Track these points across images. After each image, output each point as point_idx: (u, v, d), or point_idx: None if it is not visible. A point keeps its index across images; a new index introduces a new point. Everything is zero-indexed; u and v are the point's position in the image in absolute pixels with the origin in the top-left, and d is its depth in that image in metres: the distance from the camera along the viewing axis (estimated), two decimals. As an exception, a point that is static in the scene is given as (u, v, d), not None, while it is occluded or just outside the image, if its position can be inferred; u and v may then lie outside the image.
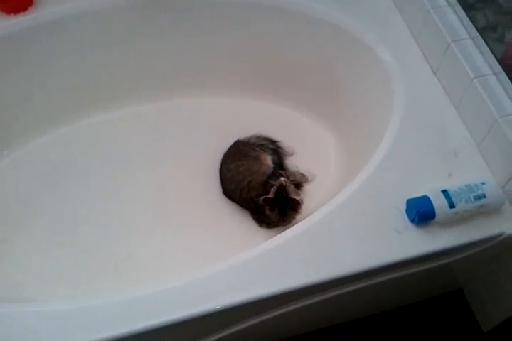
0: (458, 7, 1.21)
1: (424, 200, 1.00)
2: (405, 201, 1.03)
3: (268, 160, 1.42)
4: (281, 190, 1.27)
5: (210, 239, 1.37)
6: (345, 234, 1.02)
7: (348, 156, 1.45)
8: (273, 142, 1.50)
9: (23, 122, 1.53)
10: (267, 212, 1.29)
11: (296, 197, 1.26)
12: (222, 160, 1.47)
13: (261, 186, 1.34)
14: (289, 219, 1.32)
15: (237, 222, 1.41)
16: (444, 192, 1.00)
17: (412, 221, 1.02)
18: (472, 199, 0.99)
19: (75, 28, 1.40)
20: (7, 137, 1.52)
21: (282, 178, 1.28)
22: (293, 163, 1.48)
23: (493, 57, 1.12)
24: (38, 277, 1.33)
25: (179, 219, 1.42)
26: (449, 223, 1.01)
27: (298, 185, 1.36)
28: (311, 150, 1.52)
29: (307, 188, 1.32)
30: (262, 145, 1.48)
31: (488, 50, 1.13)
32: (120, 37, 1.47)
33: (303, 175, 1.41)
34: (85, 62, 1.48)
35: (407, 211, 1.03)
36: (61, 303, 1.00)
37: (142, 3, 1.39)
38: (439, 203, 0.99)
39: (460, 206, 0.99)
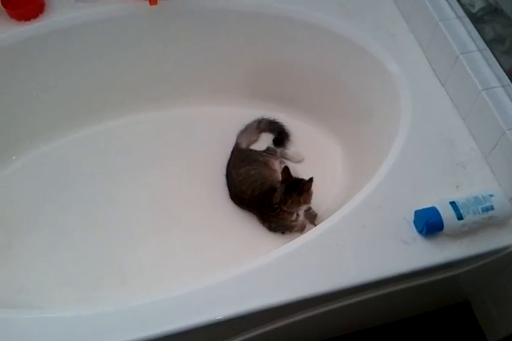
0: (466, 20, 1.21)
1: (433, 212, 1.00)
2: (413, 212, 1.03)
3: (276, 165, 1.44)
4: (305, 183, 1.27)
5: (215, 246, 1.37)
6: (352, 244, 1.02)
7: (355, 166, 1.46)
8: (273, 123, 1.53)
9: (31, 128, 1.54)
10: (279, 193, 1.29)
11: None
12: (229, 165, 1.48)
13: (273, 188, 1.34)
14: (296, 207, 1.30)
15: (242, 229, 1.41)
16: (452, 203, 1.00)
17: (420, 232, 1.01)
18: (480, 211, 0.99)
19: (84, 35, 1.41)
20: (15, 143, 1.53)
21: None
22: (300, 172, 1.48)
23: (501, 69, 1.13)
24: (42, 283, 1.33)
25: (184, 226, 1.42)
26: (457, 235, 1.01)
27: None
28: (317, 159, 1.52)
29: (314, 197, 1.32)
30: (267, 148, 1.50)
31: (497, 62, 1.14)
32: (127, 45, 1.48)
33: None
34: (92, 70, 1.50)
35: (415, 222, 1.02)
36: (64, 310, 1.01)
37: (151, 12, 1.40)
38: (447, 215, 0.99)
39: (468, 218, 0.99)
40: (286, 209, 1.30)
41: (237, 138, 1.54)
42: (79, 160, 1.55)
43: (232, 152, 1.51)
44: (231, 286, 0.98)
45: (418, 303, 1.32)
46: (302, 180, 1.30)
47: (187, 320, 0.93)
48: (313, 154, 1.52)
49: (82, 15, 1.38)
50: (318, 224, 1.31)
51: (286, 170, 1.31)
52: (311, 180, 1.27)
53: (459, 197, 1.02)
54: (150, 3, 1.37)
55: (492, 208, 0.99)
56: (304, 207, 1.32)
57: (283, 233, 1.38)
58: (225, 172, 1.48)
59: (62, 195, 1.48)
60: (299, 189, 1.28)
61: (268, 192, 1.34)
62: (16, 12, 1.35)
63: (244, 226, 1.41)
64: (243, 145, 1.53)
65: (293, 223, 1.34)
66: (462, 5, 1.23)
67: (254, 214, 1.42)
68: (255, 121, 1.56)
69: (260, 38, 1.49)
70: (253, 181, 1.39)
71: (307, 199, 1.30)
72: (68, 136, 1.58)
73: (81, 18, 1.38)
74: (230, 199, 1.46)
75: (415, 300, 1.26)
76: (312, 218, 1.38)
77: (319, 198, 1.41)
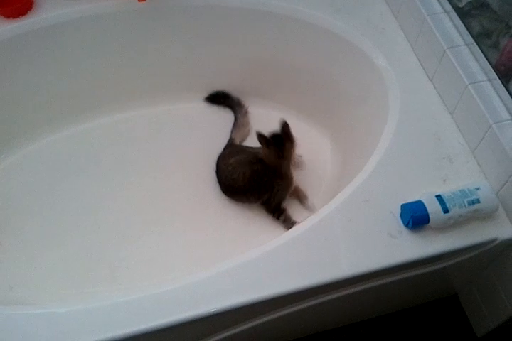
0: (453, 14, 1.22)
1: (419, 205, 1.00)
2: (400, 206, 1.03)
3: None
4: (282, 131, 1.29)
5: (207, 241, 1.38)
6: (340, 238, 1.03)
7: (344, 161, 1.46)
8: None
9: (19, 127, 1.54)
10: (264, 150, 1.30)
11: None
12: (219, 160, 1.48)
13: (264, 164, 1.35)
14: (287, 159, 1.32)
15: (233, 224, 1.42)
16: (438, 197, 1.00)
17: (407, 226, 1.02)
18: (466, 204, 1.00)
19: (72, 32, 1.41)
20: (5, 141, 1.53)
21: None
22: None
23: (487, 63, 1.13)
24: (33, 280, 1.34)
25: (176, 221, 1.43)
26: (443, 228, 1.02)
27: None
28: (307, 154, 1.52)
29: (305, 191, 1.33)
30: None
31: (483, 56, 1.14)
32: (118, 42, 1.48)
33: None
34: (81, 67, 1.50)
35: (402, 216, 1.03)
36: (54, 306, 1.01)
37: (140, 9, 1.41)
38: (433, 208, 0.99)
39: (454, 211, 0.99)
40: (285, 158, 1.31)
41: (231, 134, 1.54)
42: (69, 158, 1.55)
43: (225, 148, 1.51)
44: (221, 280, 0.98)
45: (406, 297, 1.33)
46: (278, 132, 1.30)
47: (179, 314, 0.94)
48: (303, 149, 1.51)
49: (71, 12, 1.38)
50: (308, 205, 1.39)
51: (262, 135, 1.28)
52: (285, 123, 1.28)
53: (445, 190, 1.02)
54: (138, 0, 1.37)
55: (478, 201, 1.00)
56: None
57: (278, 216, 1.39)
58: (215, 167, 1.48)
59: (52, 193, 1.48)
60: (286, 135, 1.29)
61: (260, 167, 1.34)
62: (4, 9, 1.35)
63: (235, 222, 1.42)
64: (236, 142, 1.53)
65: (292, 180, 1.36)
66: (449, -1, 1.24)
67: (249, 202, 1.42)
68: (234, 114, 1.58)
69: (250, 34, 1.49)
70: (243, 167, 1.38)
71: (294, 142, 1.32)
72: (58, 134, 1.58)
73: (69, 15, 1.38)
74: (221, 195, 1.46)
75: (403, 293, 1.26)
76: (303, 198, 1.41)
77: (310, 192, 1.43)
